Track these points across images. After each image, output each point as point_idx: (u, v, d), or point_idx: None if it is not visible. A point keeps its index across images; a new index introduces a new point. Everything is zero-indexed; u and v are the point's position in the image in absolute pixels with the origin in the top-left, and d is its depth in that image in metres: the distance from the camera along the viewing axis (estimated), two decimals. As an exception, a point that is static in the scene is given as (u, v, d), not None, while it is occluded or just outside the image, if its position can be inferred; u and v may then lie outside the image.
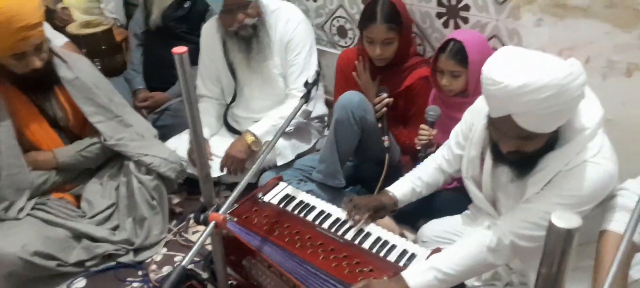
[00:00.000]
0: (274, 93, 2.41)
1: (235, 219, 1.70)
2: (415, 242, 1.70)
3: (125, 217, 2.14)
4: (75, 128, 2.18)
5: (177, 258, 2.13)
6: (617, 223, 1.30)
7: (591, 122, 1.30)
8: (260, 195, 1.84)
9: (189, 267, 1.94)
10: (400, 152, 2.29)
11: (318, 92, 2.50)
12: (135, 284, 2.01)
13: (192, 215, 2.25)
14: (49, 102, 2.09)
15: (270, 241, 1.61)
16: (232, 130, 2.55)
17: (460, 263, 1.38)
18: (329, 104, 2.63)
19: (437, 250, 1.53)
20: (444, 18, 2.22)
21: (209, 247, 1.64)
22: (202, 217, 1.29)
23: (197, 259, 2.03)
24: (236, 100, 2.51)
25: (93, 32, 3.04)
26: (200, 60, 2.53)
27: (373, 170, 2.21)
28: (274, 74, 2.38)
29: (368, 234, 1.63)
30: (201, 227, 1.72)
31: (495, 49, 2.05)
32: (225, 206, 1.33)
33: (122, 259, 2.10)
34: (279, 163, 2.34)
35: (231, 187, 2.50)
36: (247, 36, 2.27)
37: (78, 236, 2.05)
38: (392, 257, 1.54)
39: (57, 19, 3.24)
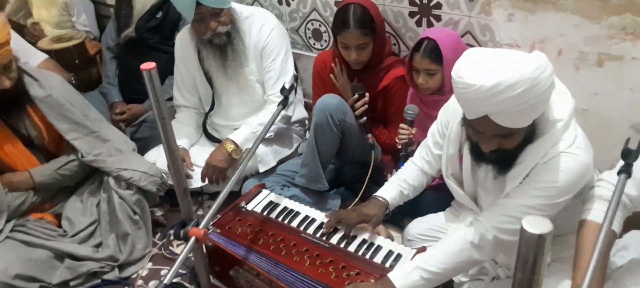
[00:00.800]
0: (252, 100, 2.40)
1: (218, 230, 1.69)
2: (401, 241, 1.71)
3: (108, 233, 2.11)
4: (51, 146, 2.13)
5: (163, 272, 2.10)
6: (596, 212, 1.32)
7: (564, 113, 1.32)
8: (243, 204, 1.83)
9: (175, 280, 1.92)
10: (382, 152, 2.30)
11: (297, 96, 2.51)
12: (121, 301, 1.98)
13: (172, 232, 2.22)
14: (22, 122, 2.04)
15: (255, 250, 1.60)
16: (212, 139, 2.53)
17: (445, 261, 1.39)
18: (308, 108, 2.62)
19: (422, 249, 1.53)
20: (417, 17, 2.23)
21: (194, 260, 1.62)
22: (182, 232, 1.27)
23: (183, 271, 2.01)
24: (214, 108, 2.49)
25: (65, 47, 2.98)
26: (176, 70, 2.50)
27: (356, 172, 2.22)
28: (250, 81, 2.36)
29: (353, 237, 1.63)
30: (186, 239, 1.70)
31: (469, 45, 2.09)
32: (205, 220, 1.31)
33: (107, 276, 2.06)
34: (261, 169, 2.33)
35: (214, 196, 2.47)
36: (221, 44, 2.25)
37: (60, 256, 2.01)
38: (378, 259, 1.54)
39: (28, 34, 3.17)
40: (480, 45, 2.11)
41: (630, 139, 1.24)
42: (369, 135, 2.14)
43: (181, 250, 1.89)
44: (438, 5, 2.14)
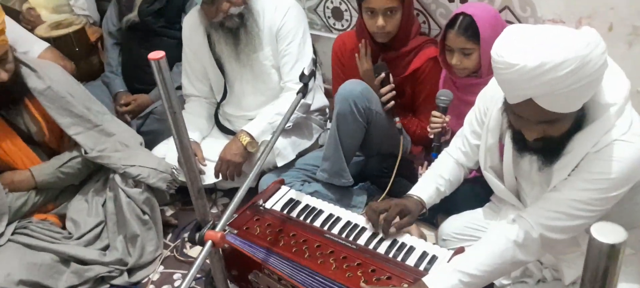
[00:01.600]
0: (268, 87, 2.40)
1: (235, 231, 1.70)
2: (435, 240, 1.70)
3: (115, 235, 2.14)
4: (52, 142, 2.16)
5: (176, 276, 2.13)
6: None
7: (618, 96, 1.29)
8: (260, 202, 1.84)
9: (191, 286, 1.94)
10: (411, 143, 2.29)
11: (316, 82, 2.49)
12: (131, 308, 2.02)
13: (186, 235, 2.24)
14: (21, 117, 2.08)
15: (276, 252, 1.61)
16: (225, 130, 2.54)
17: (486, 263, 1.38)
18: (328, 95, 2.62)
19: (461, 249, 1.52)
20: (449, -10, 2.21)
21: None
22: (197, 236, 1.28)
23: (198, 275, 2.03)
24: (227, 97, 2.50)
25: (64, 33, 3.00)
26: (184, 56, 2.51)
27: (383, 164, 2.21)
28: (265, 67, 2.36)
29: (383, 237, 1.63)
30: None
31: (508, 22, 2.06)
32: (222, 221, 1.32)
33: (115, 281, 2.09)
34: (280, 164, 2.33)
35: (229, 193, 2.51)
36: (234, 27, 2.25)
37: (66, 260, 2.04)
38: (411, 261, 1.54)
39: (23, 21, 3.21)
40: (520, 22, 2.08)
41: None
42: (397, 119, 2.13)
43: (196, 253, 1.91)
44: (473, -22, 2.12)
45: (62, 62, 2.66)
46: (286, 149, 2.35)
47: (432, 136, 1.95)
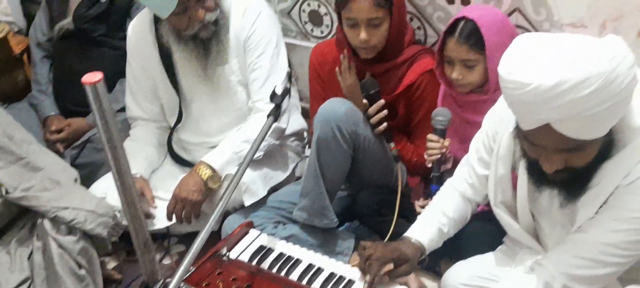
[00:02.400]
0: (234, 107, 2.40)
1: (193, 289, 1.68)
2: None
3: (44, 294, 2.10)
4: (-35, 180, 2.13)
5: (120, 343, 2.10)
6: None
7: None
8: (224, 250, 1.82)
9: None
10: (407, 173, 2.29)
11: (292, 101, 2.48)
12: None
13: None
14: None
15: (244, 314, 1.59)
16: (180, 161, 2.53)
17: (500, 322, 1.38)
18: (306, 114, 2.62)
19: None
20: (449, -9, 2.24)
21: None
22: (144, 302, 1.26)
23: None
24: (182, 120, 2.49)
25: (-20, 44, 2.99)
26: (129, 70, 2.50)
27: (374, 199, 2.20)
28: (231, 83, 2.36)
29: (374, 291, 1.62)
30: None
31: (519, 28, 2.09)
32: (176, 278, 1.30)
33: None
34: (247, 202, 2.31)
35: (185, 239, 2.48)
36: (207, 37, 2.25)
37: (-18, 329, 2.00)
38: (409, 321, 1.53)
39: None
40: (533, 27, 2.11)
41: None
42: (392, 145, 2.13)
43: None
44: (476, -25, 2.15)
45: None
46: (255, 184, 2.33)
47: (430, 165, 1.95)
